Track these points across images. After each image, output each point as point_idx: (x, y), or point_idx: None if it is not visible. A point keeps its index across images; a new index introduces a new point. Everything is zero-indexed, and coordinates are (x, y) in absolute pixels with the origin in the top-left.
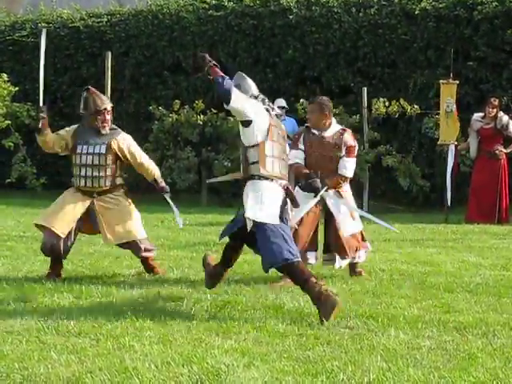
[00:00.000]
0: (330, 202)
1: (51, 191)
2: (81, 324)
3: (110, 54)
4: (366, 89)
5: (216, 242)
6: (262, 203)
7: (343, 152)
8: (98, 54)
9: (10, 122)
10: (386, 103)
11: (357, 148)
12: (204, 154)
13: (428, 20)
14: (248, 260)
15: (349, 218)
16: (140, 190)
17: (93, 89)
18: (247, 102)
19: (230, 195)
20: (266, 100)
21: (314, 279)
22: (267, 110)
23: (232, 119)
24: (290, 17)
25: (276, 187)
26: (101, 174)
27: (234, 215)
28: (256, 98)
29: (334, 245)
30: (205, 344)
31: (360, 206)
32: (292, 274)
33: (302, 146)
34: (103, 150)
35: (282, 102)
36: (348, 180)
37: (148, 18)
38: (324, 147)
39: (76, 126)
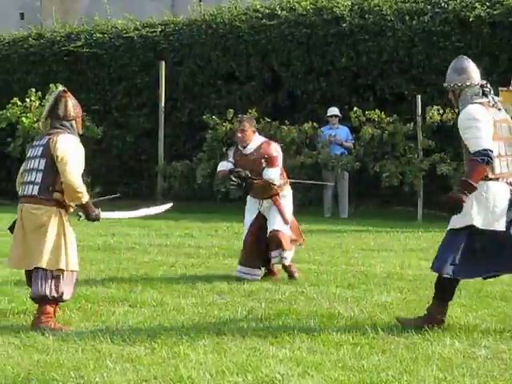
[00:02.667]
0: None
1: (106, 201)
2: (136, 333)
3: (163, 63)
4: (419, 96)
5: None
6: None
7: (263, 164)
8: (152, 64)
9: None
10: (441, 111)
11: (279, 158)
12: None
13: (482, 27)
14: (302, 269)
15: (279, 218)
16: (195, 199)
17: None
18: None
19: None
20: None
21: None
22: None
23: (286, 128)
24: (343, 25)
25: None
26: None
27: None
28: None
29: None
30: (259, 353)
31: (414, 215)
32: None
33: (231, 160)
34: None
35: (335, 110)
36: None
37: (202, 28)
38: (247, 163)
39: None
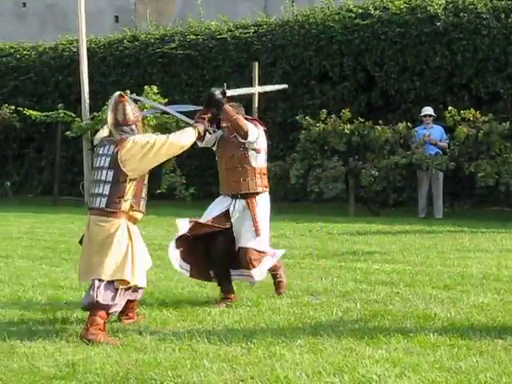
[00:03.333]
0: (235, 216)
1: (199, 201)
2: (232, 333)
3: (257, 64)
4: None
5: (364, 251)
6: None
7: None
8: (245, 65)
9: (159, 133)
10: None
11: (259, 128)
12: (351, 163)
13: None
14: (397, 269)
15: (251, 232)
16: (289, 199)
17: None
18: None
19: (378, 205)
20: None
21: None
22: None
23: (379, 128)
24: (438, 24)
25: None
26: None
27: (381, 224)
28: None
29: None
30: (355, 353)
31: (510, 215)
32: None
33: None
34: None
35: (429, 109)
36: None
37: (294, 28)
38: (231, 147)
39: None
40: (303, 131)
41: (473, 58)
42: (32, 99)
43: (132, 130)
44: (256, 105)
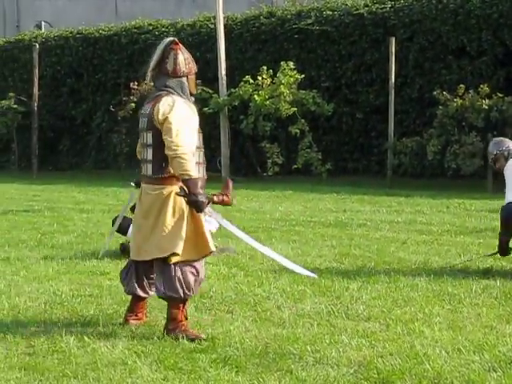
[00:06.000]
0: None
1: (336, 177)
2: (370, 309)
3: (393, 39)
4: None
5: None
6: None
7: None
8: (381, 40)
9: (296, 108)
10: None
11: None
12: (489, 139)
13: None
14: None
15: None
16: (425, 175)
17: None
18: None
19: None
20: None
21: None
22: None
23: None
24: None
25: None
26: None
27: None
28: None
29: None
30: (496, 331)
31: None
32: None
33: None
34: None
35: None
36: None
37: (432, 3)
38: None
39: None
40: (440, 107)
41: None
42: None
43: (181, 83)
44: (393, 80)
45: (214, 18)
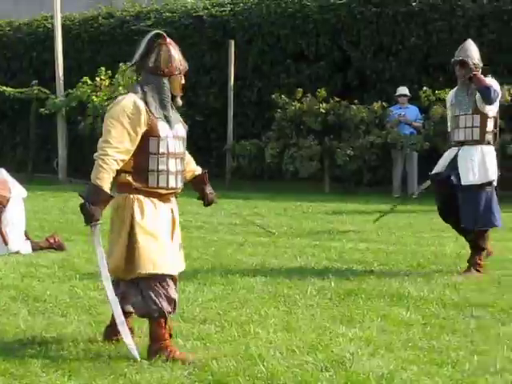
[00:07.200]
0: None
1: None
2: (206, 311)
3: (233, 42)
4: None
5: (338, 230)
6: None
7: None
8: (221, 43)
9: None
10: (511, 90)
11: None
12: (327, 143)
13: None
14: (371, 248)
15: None
16: (264, 178)
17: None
18: None
19: (353, 184)
20: None
21: None
22: None
23: (355, 107)
24: (413, 4)
25: None
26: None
27: (356, 204)
28: None
29: None
30: (329, 332)
31: None
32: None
33: None
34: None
35: (404, 89)
36: None
37: (271, 7)
38: None
39: None
40: (279, 110)
41: (448, 38)
42: (6, 75)
43: (160, 82)
44: (232, 83)
45: (52, 17)
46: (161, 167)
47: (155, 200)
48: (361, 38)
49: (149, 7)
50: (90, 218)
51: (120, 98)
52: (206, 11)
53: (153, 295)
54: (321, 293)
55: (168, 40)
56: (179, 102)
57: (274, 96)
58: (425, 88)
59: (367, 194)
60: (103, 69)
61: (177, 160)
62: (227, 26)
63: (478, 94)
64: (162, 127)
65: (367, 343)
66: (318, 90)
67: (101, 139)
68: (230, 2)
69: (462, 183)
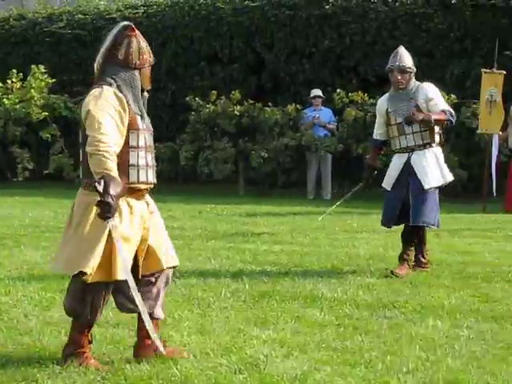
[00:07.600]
0: None
1: None
2: (120, 316)
3: None
4: None
5: (253, 232)
6: None
7: None
8: None
9: (47, 113)
10: None
11: None
12: (241, 145)
13: (465, 9)
14: (286, 250)
15: None
16: (178, 180)
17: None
18: None
19: (267, 186)
20: None
21: None
22: None
23: (269, 109)
24: (327, 7)
25: None
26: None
27: (270, 206)
28: None
29: None
30: (243, 334)
31: None
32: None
33: None
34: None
35: (318, 91)
36: None
37: (184, 9)
38: None
39: None
40: (193, 112)
41: (361, 41)
42: None
43: (132, 75)
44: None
45: None
46: (141, 162)
47: (131, 200)
48: (274, 41)
49: (61, 9)
50: (113, 212)
51: (96, 90)
52: (119, 13)
53: (93, 301)
54: (235, 295)
55: (137, 32)
56: (146, 95)
57: (188, 98)
58: (338, 90)
59: (281, 196)
60: (15, 71)
61: (152, 154)
62: (140, 29)
63: (420, 100)
64: (139, 120)
65: (281, 345)
66: (232, 92)
67: (92, 132)
68: (143, 4)
69: (425, 188)
